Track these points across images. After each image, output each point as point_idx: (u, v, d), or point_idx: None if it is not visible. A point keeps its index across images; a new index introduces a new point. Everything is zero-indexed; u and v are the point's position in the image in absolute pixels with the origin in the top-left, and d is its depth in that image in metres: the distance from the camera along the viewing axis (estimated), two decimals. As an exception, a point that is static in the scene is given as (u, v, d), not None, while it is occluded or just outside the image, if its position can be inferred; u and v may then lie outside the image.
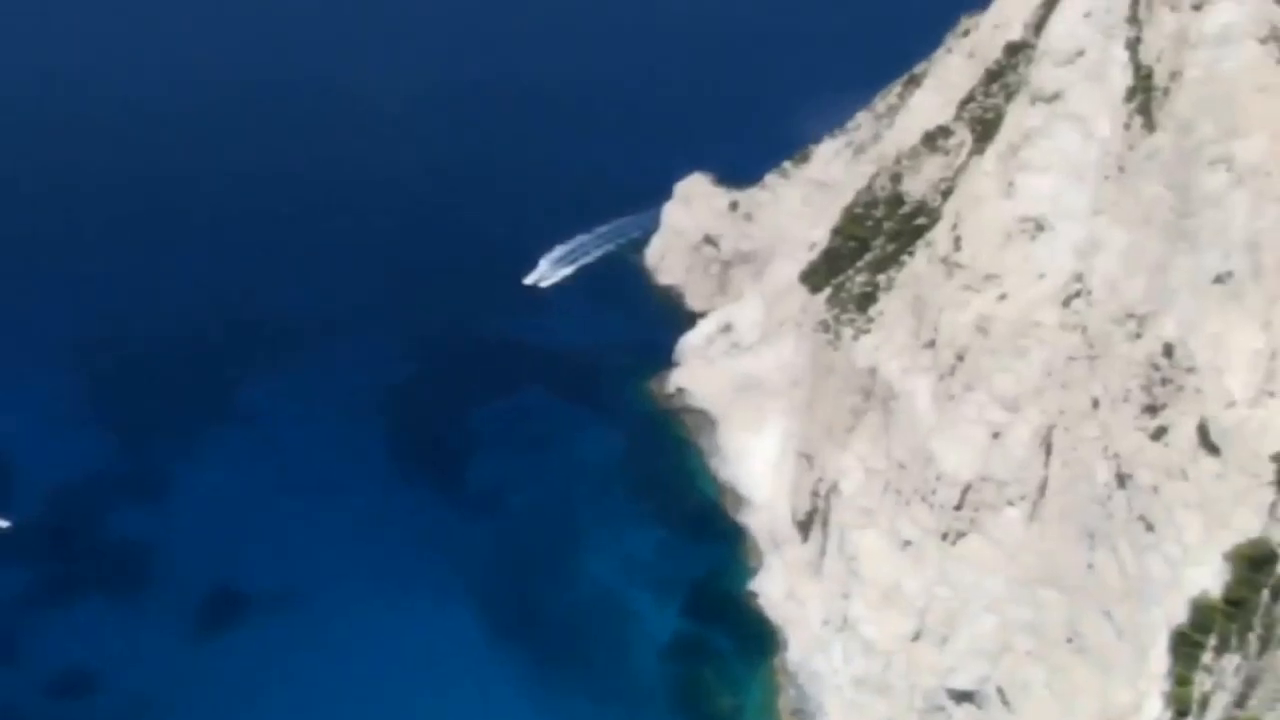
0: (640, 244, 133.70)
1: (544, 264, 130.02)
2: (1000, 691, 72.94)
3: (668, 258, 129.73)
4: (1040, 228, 73.71)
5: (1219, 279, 57.23)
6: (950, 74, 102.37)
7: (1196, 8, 64.98)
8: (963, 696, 75.59)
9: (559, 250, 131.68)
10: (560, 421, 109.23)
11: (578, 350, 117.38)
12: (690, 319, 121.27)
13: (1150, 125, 66.01)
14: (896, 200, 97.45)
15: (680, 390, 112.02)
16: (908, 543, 78.55)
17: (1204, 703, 41.28)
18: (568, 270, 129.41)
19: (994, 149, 79.46)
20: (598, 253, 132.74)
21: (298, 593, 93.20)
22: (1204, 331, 56.65)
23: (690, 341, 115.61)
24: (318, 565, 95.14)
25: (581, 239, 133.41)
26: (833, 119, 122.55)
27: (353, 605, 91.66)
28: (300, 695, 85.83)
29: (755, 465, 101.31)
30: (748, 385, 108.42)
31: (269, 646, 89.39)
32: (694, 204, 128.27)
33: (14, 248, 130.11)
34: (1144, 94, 67.91)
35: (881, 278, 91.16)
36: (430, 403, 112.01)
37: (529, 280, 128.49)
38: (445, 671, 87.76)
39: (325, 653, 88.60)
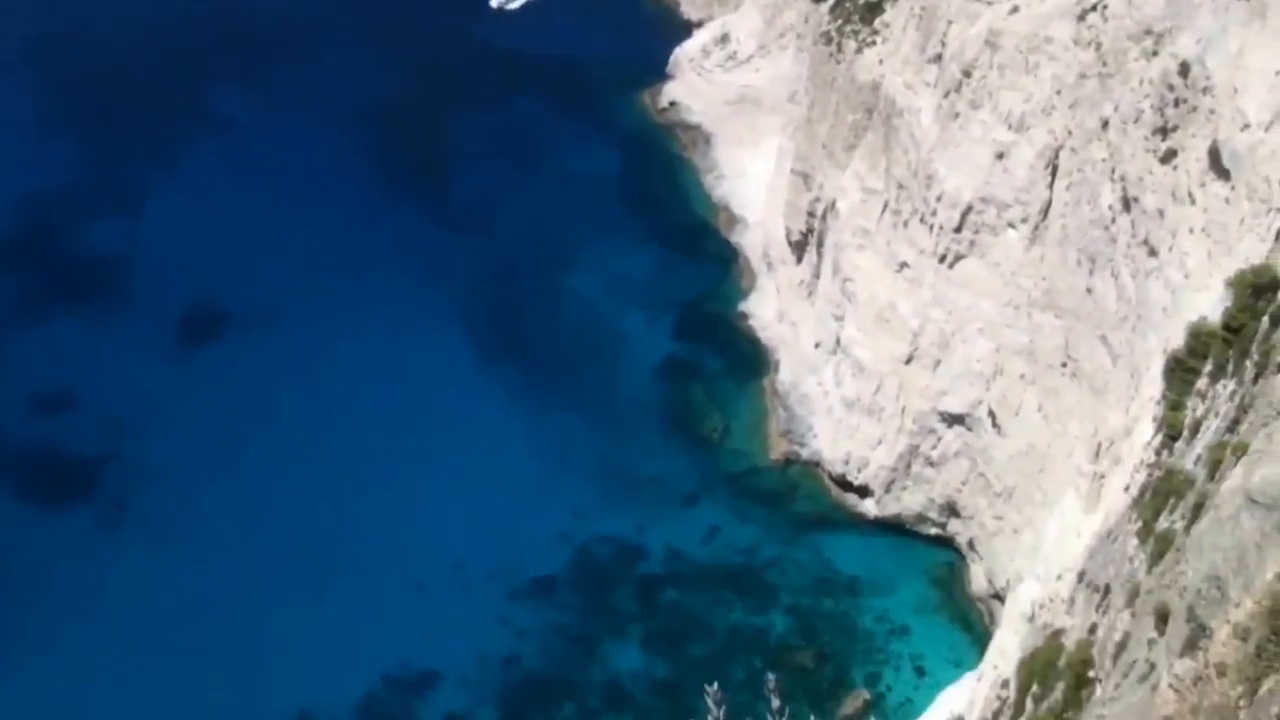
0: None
1: None
2: (992, 414, 75.10)
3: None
4: (1057, -64, 72.32)
5: (1242, -6, 56.56)
6: None
7: None
8: (954, 419, 77.84)
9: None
10: (549, 135, 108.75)
11: (566, 60, 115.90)
12: (685, 29, 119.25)
13: None
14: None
15: (673, 104, 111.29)
16: (904, 265, 79.55)
17: (1195, 427, 42.43)
18: None
19: None
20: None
21: (279, 308, 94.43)
22: (1223, 50, 56.22)
23: (685, 53, 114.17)
24: (299, 280, 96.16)
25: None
26: None
27: (336, 322, 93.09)
28: (282, 410, 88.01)
29: (750, 183, 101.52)
30: (744, 99, 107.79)
31: (251, 361, 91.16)
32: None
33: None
34: None
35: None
36: (413, 114, 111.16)
37: (494, 3, 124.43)
38: (432, 386, 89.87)
39: (308, 369, 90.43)
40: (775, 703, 7.50)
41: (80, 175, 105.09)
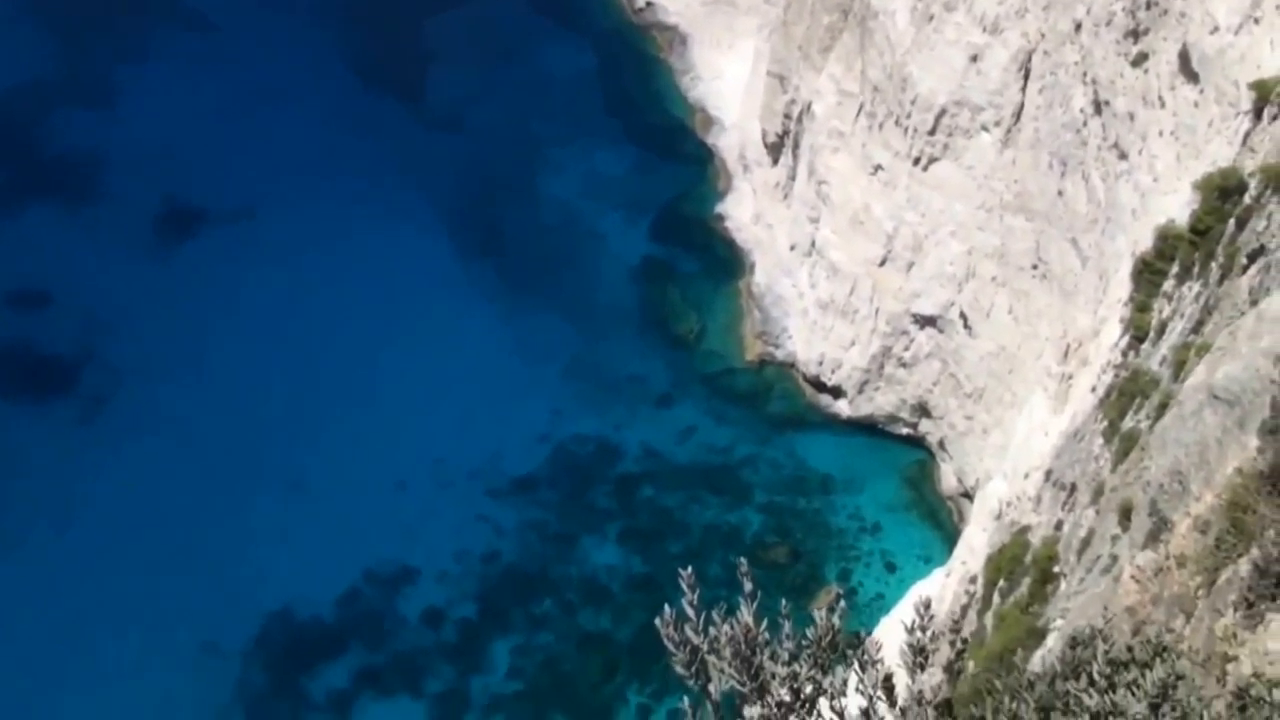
0: None
1: None
2: (963, 316, 75.53)
3: None
4: None
5: (1216, -103, 56.17)
6: None
7: None
8: (926, 321, 78.27)
9: None
10: (523, 34, 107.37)
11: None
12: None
13: None
14: None
15: (649, 4, 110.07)
16: (879, 167, 79.49)
17: (1161, 329, 42.90)
18: None
19: None
20: None
21: (254, 205, 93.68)
22: (1195, -47, 56.01)
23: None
24: (274, 178, 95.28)
25: None
26: None
27: (312, 220, 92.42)
28: (260, 307, 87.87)
29: (726, 85, 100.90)
30: (720, 0, 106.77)
31: (227, 257, 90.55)
32: None
33: None
34: None
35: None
36: (386, 11, 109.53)
37: None
38: (410, 285, 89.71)
39: (284, 266, 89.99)
40: (748, 587, 7.71)
41: (50, 69, 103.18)
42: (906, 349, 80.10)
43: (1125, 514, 26.66)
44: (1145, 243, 47.81)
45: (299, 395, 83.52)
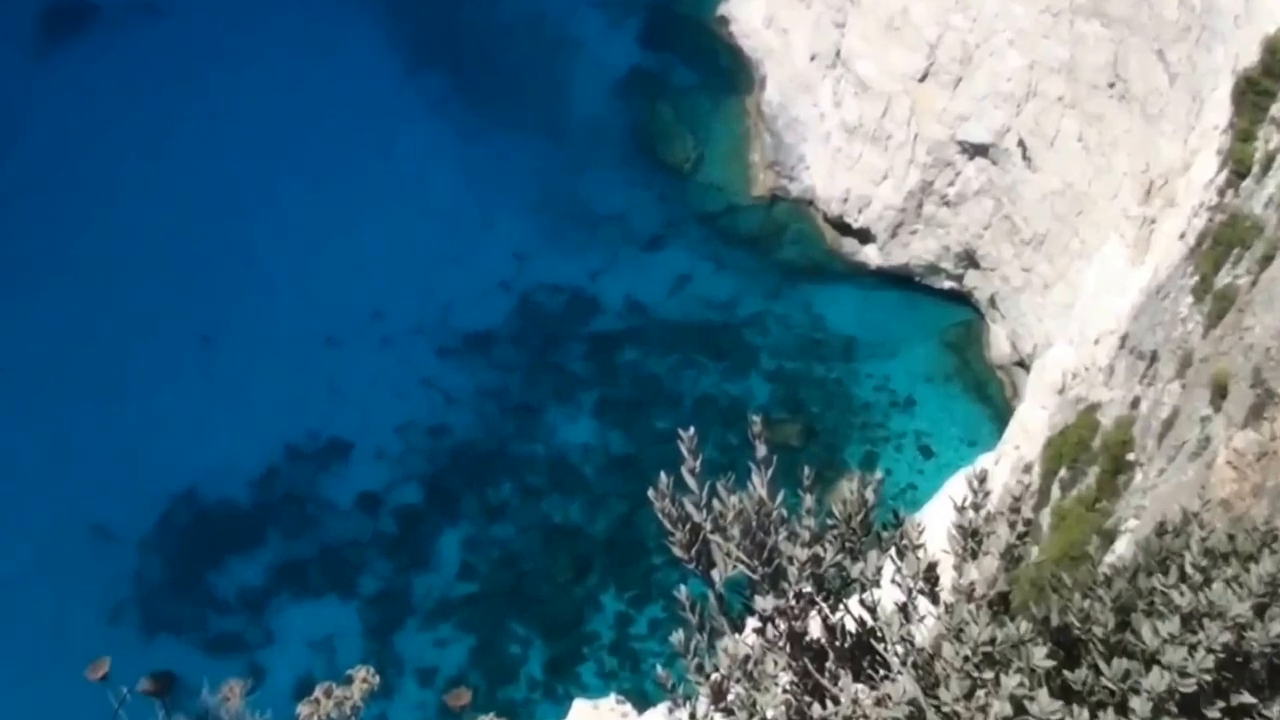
0: None
1: None
2: (1022, 144, 75.26)
3: None
4: None
5: None
6: None
7: None
8: (976, 150, 78.01)
9: None
10: None
11: None
12: None
13: None
14: None
15: None
16: (923, -41, 78.84)
17: (1268, 163, 42.68)
18: None
19: None
20: None
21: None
22: None
23: None
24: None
25: None
26: None
27: (228, 18, 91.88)
28: (165, 122, 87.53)
29: None
30: None
31: (125, 62, 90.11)
32: None
33: None
34: None
35: None
36: None
37: None
38: (345, 99, 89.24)
39: (195, 74, 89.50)
40: (762, 451, 7.53)
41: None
42: (951, 184, 79.91)
43: (1220, 388, 26.62)
44: (1250, 56, 47.39)
45: (210, 230, 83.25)
